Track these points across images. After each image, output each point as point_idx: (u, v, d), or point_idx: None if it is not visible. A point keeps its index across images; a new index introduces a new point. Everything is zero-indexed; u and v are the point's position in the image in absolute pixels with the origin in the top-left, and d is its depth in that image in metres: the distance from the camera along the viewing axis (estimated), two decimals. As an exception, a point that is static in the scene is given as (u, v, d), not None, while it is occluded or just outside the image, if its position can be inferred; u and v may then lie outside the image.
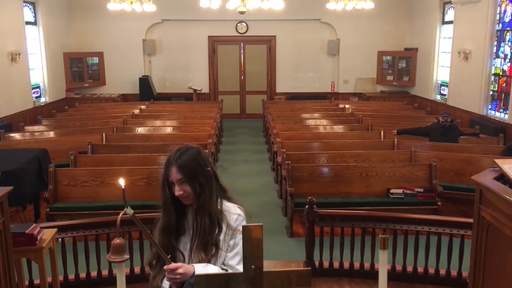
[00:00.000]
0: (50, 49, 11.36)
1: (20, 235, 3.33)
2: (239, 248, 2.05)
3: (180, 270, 1.99)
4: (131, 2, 9.25)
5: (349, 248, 4.38)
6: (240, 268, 1.98)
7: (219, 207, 2.18)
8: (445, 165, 6.36)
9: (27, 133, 8.07)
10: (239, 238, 2.07)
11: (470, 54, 9.58)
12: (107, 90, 13.01)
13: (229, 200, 2.24)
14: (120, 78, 12.87)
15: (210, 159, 2.34)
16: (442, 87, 11.32)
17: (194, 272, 1.99)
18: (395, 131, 7.69)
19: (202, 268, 2.04)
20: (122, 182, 1.95)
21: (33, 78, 10.61)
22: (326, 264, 4.48)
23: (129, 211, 1.94)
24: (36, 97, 10.81)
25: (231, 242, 2.11)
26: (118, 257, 2.06)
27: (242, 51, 13.40)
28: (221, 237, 2.13)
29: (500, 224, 2.46)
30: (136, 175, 5.79)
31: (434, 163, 5.88)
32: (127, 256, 2.10)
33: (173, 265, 2.00)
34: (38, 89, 11.05)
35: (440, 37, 11.40)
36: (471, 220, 3.31)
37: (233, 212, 2.17)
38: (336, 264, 4.46)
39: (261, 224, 1.87)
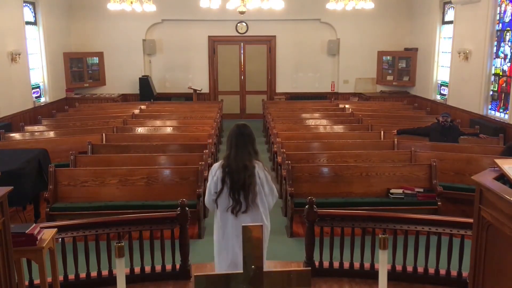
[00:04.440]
0: (50, 49, 11.36)
1: (20, 235, 3.33)
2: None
3: None
4: (131, 2, 9.23)
5: (349, 248, 4.38)
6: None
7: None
8: (445, 165, 6.36)
9: (27, 133, 8.07)
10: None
11: (470, 54, 9.58)
12: (107, 90, 13.01)
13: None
14: (120, 78, 12.87)
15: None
16: (442, 87, 11.32)
17: None
18: (395, 131, 7.69)
19: None
20: None
21: (33, 78, 10.61)
22: (326, 264, 4.48)
23: None
24: (36, 97, 10.81)
25: None
26: None
27: (242, 51, 13.40)
28: None
29: (500, 224, 2.46)
30: (136, 175, 5.79)
31: (434, 163, 5.88)
32: None
33: None
34: (38, 89, 11.05)
35: (440, 37, 11.40)
36: (471, 220, 3.31)
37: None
38: (336, 264, 4.46)
39: (261, 224, 1.88)
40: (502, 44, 8.79)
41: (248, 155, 3.49)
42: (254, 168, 3.48)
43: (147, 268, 4.38)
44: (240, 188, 3.43)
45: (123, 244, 3.06)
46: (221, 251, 3.57)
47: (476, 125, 8.23)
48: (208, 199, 3.60)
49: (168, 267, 4.41)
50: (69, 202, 5.68)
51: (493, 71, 9.03)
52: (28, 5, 10.66)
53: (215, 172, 3.53)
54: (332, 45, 13.06)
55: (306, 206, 4.34)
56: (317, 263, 4.46)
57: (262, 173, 3.54)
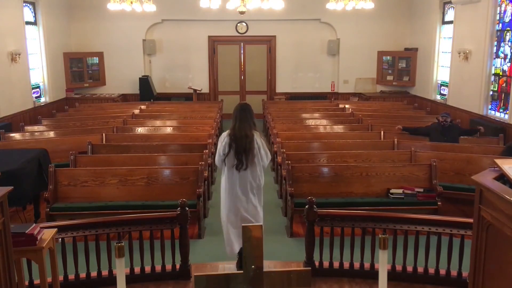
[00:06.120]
0: (50, 49, 11.37)
1: (20, 235, 3.33)
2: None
3: None
4: (131, 2, 9.23)
5: (349, 248, 4.38)
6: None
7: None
8: (445, 165, 6.36)
9: (27, 133, 8.07)
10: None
11: (470, 54, 9.58)
12: (107, 90, 13.01)
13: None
14: (120, 78, 12.87)
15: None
16: (442, 87, 11.32)
17: None
18: (401, 126, 7.72)
19: None
20: None
21: (33, 78, 10.61)
22: (326, 264, 4.48)
23: None
24: (36, 97, 10.81)
25: None
26: None
27: (242, 51, 13.41)
28: None
29: (500, 224, 2.46)
30: (136, 175, 5.79)
31: (434, 163, 5.88)
32: None
33: None
34: (38, 89, 11.05)
35: (440, 37, 11.40)
36: (471, 220, 3.31)
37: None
38: (336, 264, 4.46)
39: (261, 224, 1.88)
40: (502, 44, 8.79)
41: (249, 126, 4.45)
42: (253, 136, 4.45)
43: (147, 268, 4.38)
44: (242, 151, 4.42)
45: (123, 244, 3.06)
46: (227, 199, 4.53)
47: (479, 126, 8.17)
48: (218, 159, 4.62)
49: (168, 267, 4.41)
50: (69, 202, 5.68)
51: (493, 71, 9.03)
52: (28, 5, 10.66)
53: (223, 139, 4.55)
54: (332, 45, 13.06)
55: (306, 206, 4.34)
56: (317, 263, 4.46)
57: (259, 140, 4.52)
